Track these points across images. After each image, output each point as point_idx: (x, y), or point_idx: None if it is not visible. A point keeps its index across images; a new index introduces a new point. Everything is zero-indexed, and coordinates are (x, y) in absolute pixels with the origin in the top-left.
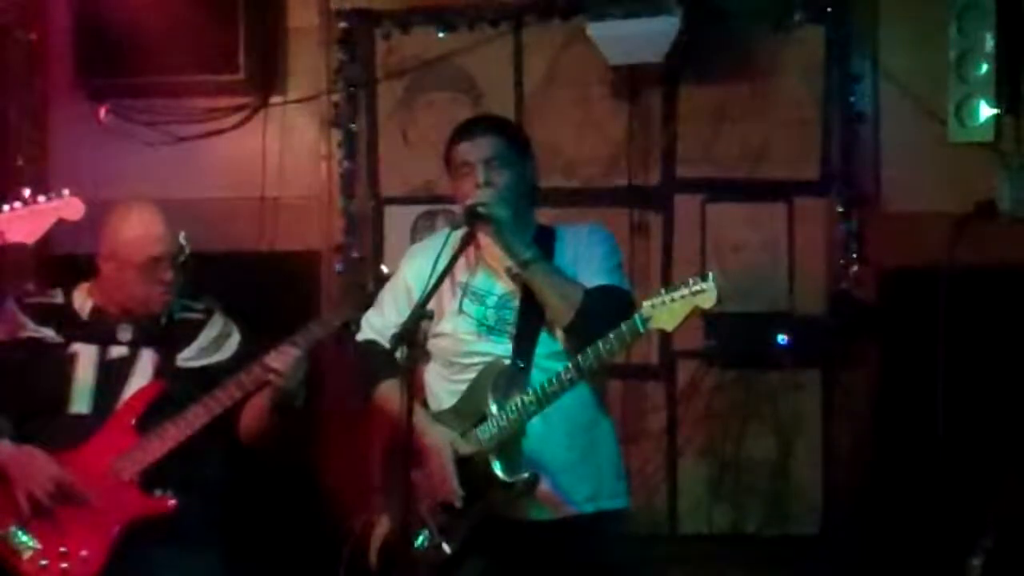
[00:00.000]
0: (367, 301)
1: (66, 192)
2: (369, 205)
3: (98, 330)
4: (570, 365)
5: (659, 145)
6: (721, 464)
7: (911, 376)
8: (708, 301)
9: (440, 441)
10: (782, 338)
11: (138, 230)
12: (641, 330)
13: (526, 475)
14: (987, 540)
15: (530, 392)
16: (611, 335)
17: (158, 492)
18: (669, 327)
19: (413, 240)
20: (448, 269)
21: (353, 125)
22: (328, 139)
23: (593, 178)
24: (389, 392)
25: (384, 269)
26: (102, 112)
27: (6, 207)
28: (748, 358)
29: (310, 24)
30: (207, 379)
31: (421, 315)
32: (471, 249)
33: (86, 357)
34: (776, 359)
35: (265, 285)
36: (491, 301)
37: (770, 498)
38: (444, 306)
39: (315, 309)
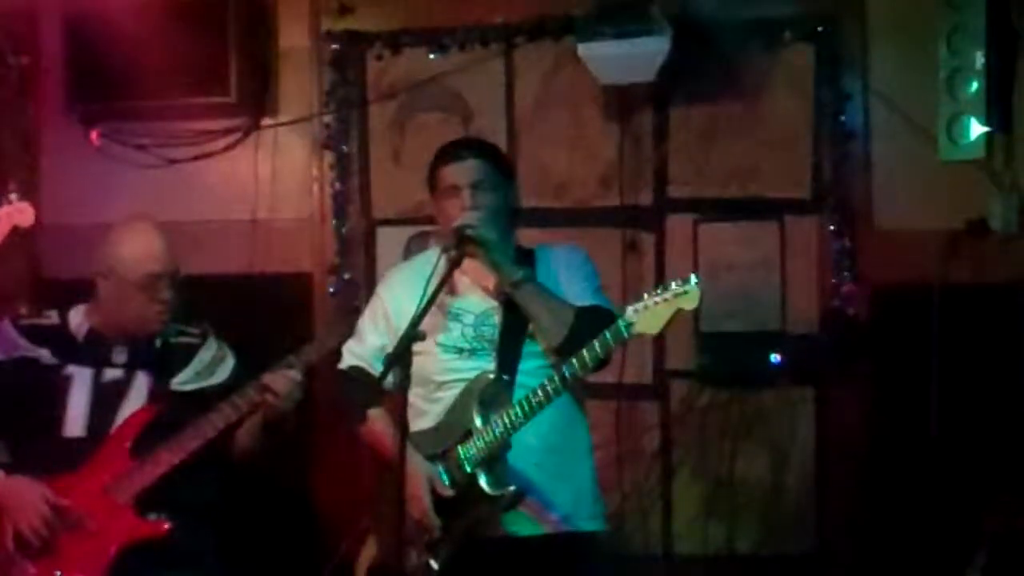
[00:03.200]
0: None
1: (14, 196)
2: (361, 227)
3: (93, 352)
4: (554, 374)
5: (651, 165)
6: (715, 483)
7: (904, 393)
8: (690, 302)
9: (419, 474)
10: (775, 357)
11: (137, 247)
12: (625, 335)
13: (512, 488)
14: (982, 556)
15: (516, 405)
16: (595, 342)
17: (153, 515)
18: (653, 330)
19: (404, 261)
20: (438, 291)
21: (345, 147)
22: (320, 161)
23: (585, 198)
24: (377, 419)
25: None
26: (94, 135)
27: None
28: (741, 377)
29: (301, 46)
30: (201, 403)
31: (414, 336)
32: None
33: (81, 380)
34: (769, 378)
35: (257, 307)
36: (469, 320)
37: (765, 517)
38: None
39: (308, 331)
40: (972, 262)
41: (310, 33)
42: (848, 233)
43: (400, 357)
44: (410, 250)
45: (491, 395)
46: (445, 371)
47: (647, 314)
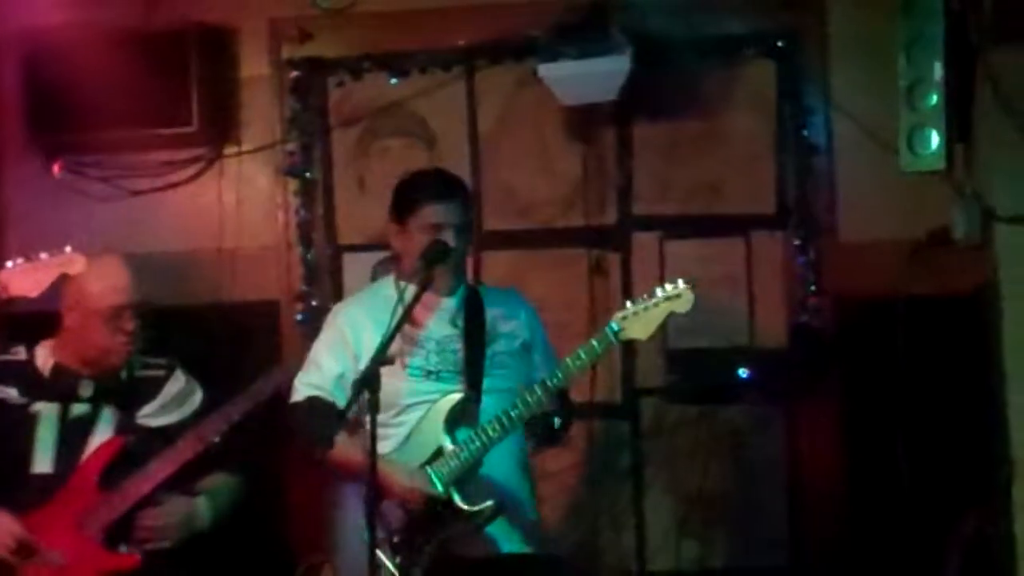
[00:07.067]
0: None
1: (68, 248)
2: (327, 253)
3: (59, 387)
4: (536, 386)
5: (615, 184)
6: (687, 499)
7: (873, 405)
8: (684, 305)
9: (403, 473)
10: (743, 372)
11: (102, 280)
12: (614, 342)
13: (490, 502)
14: (954, 564)
15: (495, 420)
16: (580, 350)
17: (122, 548)
18: (643, 335)
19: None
20: (406, 314)
21: (308, 174)
22: (284, 188)
23: (550, 219)
24: (345, 445)
25: None
26: (56, 168)
27: (9, 263)
28: (710, 393)
29: (262, 74)
30: (168, 438)
31: (382, 361)
32: (403, 293)
33: (47, 416)
34: (738, 393)
35: (225, 336)
36: (431, 346)
37: (737, 532)
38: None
39: (276, 359)
40: (936, 272)
41: (270, 61)
42: (813, 247)
43: (369, 381)
44: (376, 275)
45: (458, 414)
46: (411, 393)
47: (637, 320)
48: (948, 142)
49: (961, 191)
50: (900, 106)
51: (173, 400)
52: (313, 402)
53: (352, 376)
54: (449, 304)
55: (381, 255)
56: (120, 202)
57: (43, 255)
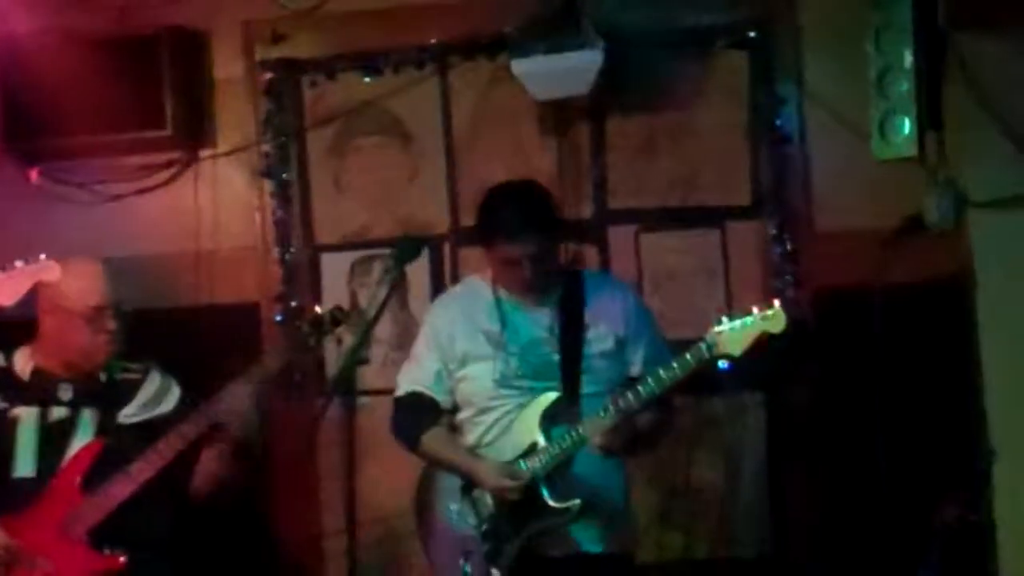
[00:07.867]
0: (305, 342)
1: (43, 256)
2: (305, 253)
3: (39, 391)
4: (629, 394)
5: (590, 177)
6: (670, 491)
7: (853, 394)
8: (778, 325)
9: (490, 463)
10: (723, 362)
11: (79, 281)
12: (707, 356)
13: (578, 501)
14: (935, 552)
15: (584, 420)
16: (674, 364)
17: (107, 550)
18: (736, 351)
19: (350, 286)
20: (386, 302)
21: (284, 174)
22: (260, 189)
23: None
24: (432, 439)
25: (317, 309)
26: (33, 175)
27: None
28: (691, 384)
29: (236, 76)
30: (150, 433)
31: (357, 360)
32: (498, 297)
33: (27, 420)
34: (718, 383)
35: (205, 339)
36: (514, 350)
37: (720, 522)
38: (469, 352)
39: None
40: (911, 260)
41: (244, 63)
42: (789, 237)
43: (344, 376)
44: (354, 274)
45: (555, 412)
46: (492, 394)
47: (730, 336)
48: (919, 129)
49: (934, 177)
50: (871, 93)
51: (152, 399)
52: (414, 398)
53: (448, 372)
54: (543, 312)
55: (359, 254)
56: (98, 207)
57: (18, 263)
